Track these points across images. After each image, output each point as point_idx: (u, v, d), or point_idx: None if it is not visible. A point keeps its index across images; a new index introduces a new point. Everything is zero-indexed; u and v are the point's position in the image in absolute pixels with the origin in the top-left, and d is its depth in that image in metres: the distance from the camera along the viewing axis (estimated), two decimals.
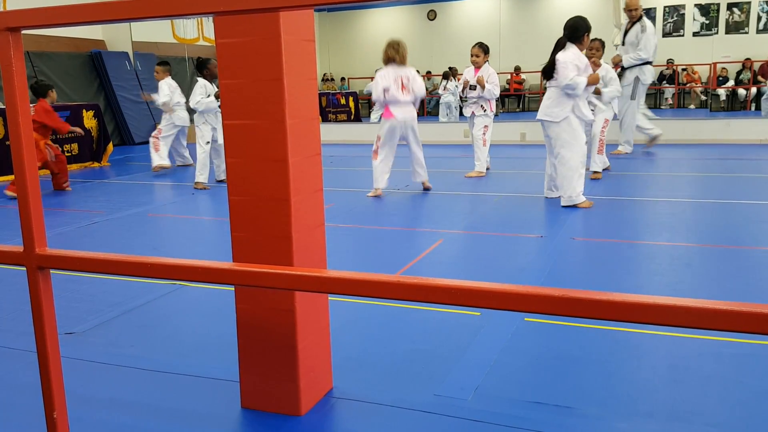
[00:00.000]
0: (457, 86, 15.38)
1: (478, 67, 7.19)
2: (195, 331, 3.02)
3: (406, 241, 4.59)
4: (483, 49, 7.19)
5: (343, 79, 20.53)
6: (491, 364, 2.52)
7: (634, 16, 8.11)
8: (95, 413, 2.24)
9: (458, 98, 15.97)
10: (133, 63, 12.96)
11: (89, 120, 9.48)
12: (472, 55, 7.21)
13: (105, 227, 5.30)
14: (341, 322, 2.95)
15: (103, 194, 7.07)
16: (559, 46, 5.33)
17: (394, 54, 6.09)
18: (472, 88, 7.17)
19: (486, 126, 7.28)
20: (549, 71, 5.32)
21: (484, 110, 7.27)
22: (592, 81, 5.27)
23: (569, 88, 5.13)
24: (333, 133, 11.80)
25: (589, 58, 6.05)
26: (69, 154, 9.16)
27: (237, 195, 2.09)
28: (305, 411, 2.18)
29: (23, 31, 1.51)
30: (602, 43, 6.80)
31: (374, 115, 14.43)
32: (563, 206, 5.31)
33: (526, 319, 2.94)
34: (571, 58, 5.18)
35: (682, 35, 17.33)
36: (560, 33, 5.48)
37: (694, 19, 17.16)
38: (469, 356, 2.60)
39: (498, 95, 7.29)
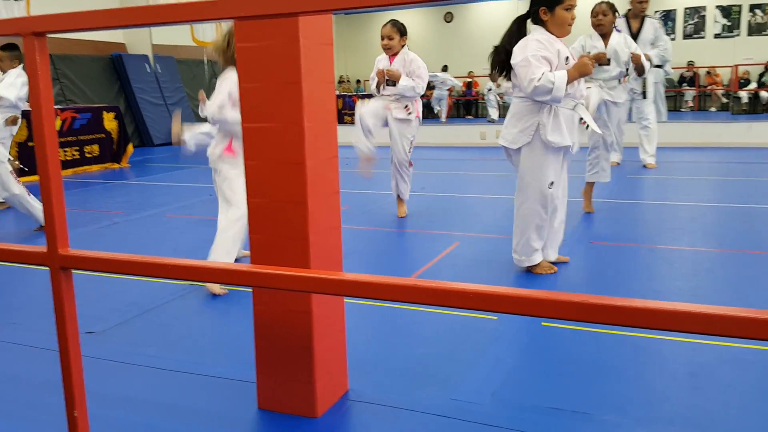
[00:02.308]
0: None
1: (393, 53, 5.22)
2: (212, 331, 3.04)
3: (422, 243, 4.59)
4: (398, 29, 5.20)
5: (358, 81, 20.57)
6: (508, 369, 2.51)
7: (644, 9, 7.19)
8: (113, 412, 2.26)
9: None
10: (153, 66, 13.09)
11: (110, 122, 9.58)
12: (383, 38, 5.22)
13: (125, 228, 5.35)
14: (357, 324, 2.96)
15: (122, 195, 7.14)
16: (512, 30, 3.50)
17: None
18: (389, 83, 5.16)
19: (412, 139, 5.28)
20: (502, 67, 3.54)
21: (409, 113, 5.22)
22: (582, 71, 3.35)
23: (540, 93, 3.29)
24: (349, 135, 11.82)
25: (596, 26, 5.05)
26: (90, 155, 9.27)
27: (255, 197, 2.10)
28: (321, 413, 2.18)
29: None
30: (611, 6, 5.10)
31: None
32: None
33: (543, 323, 2.92)
34: (533, 48, 3.32)
35: (703, 37, 17.17)
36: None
37: (715, 21, 16.99)
38: (486, 360, 2.59)
39: (422, 92, 5.21)
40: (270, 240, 2.10)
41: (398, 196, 5.40)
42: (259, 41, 1.99)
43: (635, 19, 7.21)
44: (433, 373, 2.49)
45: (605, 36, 5.10)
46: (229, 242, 3.48)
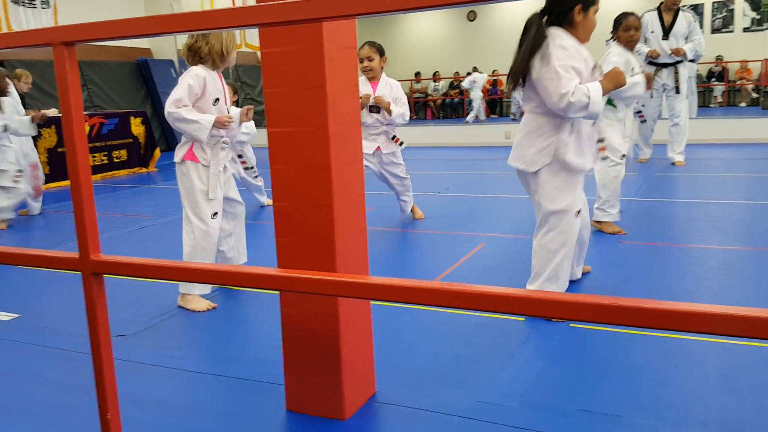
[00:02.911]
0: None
1: (374, 78, 4.84)
2: (240, 333, 3.07)
3: (447, 244, 4.58)
4: (377, 49, 4.82)
5: None
6: (537, 371, 2.49)
7: (678, 2, 7.06)
8: (144, 414, 2.29)
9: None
10: (178, 70, 13.24)
11: (137, 127, 9.71)
12: (362, 60, 4.77)
13: (153, 231, 5.42)
14: (384, 326, 2.96)
15: (150, 199, 7.23)
16: (534, 36, 2.88)
17: None
18: (374, 110, 4.79)
19: (404, 165, 5.04)
20: (516, 76, 2.97)
21: (399, 143, 4.95)
22: (616, 82, 2.96)
23: (575, 110, 2.82)
24: None
25: (628, 41, 4.53)
26: (118, 161, 9.41)
27: (281, 201, 2.12)
28: (349, 415, 2.19)
29: None
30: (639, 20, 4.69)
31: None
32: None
33: (572, 325, 2.90)
34: (561, 57, 2.83)
35: (732, 31, 16.86)
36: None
37: (744, 15, 16.69)
38: (513, 362, 2.58)
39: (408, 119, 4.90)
40: (296, 243, 2.11)
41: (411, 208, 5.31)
42: (283, 46, 2.00)
43: (668, 12, 7.03)
44: (461, 375, 2.49)
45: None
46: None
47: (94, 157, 8.98)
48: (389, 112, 4.77)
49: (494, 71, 18.54)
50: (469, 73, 16.69)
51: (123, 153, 9.48)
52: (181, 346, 2.93)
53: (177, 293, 3.53)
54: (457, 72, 18.88)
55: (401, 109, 4.83)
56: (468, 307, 1.24)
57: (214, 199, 3.38)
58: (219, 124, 3.31)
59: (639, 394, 2.28)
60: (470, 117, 15.23)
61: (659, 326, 1.09)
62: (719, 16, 16.89)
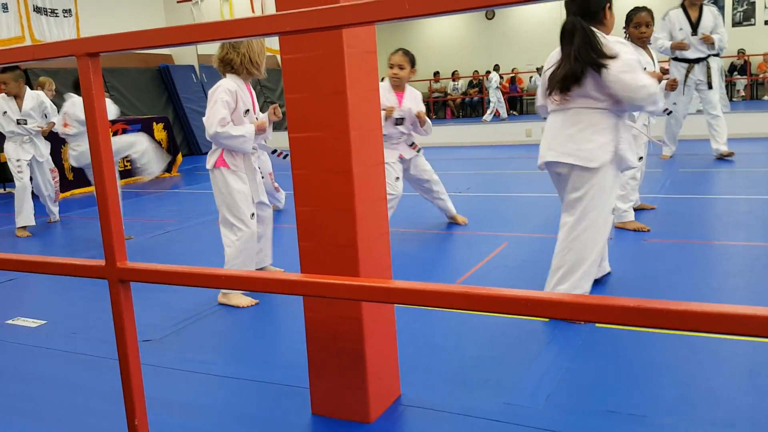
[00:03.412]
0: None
1: (399, 87, 4.69)
2: (265, 337, 3.09)
3: (470, 245, 4.57)
4: (410, 58, 4.69)
5: None
6: (562, 372, 2.48)
7: None
8: (171, 418, 2.32)
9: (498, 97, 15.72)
10: (199, 76, 13.37)
11: (159, 132, 9.82)
12: (392, 66, 4.67)
13: (177, 236, 5.48)
14: (407, 328, 2.96)
15: (174, 204, 7.31)
16: (584, 37, 2.83)
17: None
18: (399, 122, 4.69)
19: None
20: (574, 79, 2.88)
21: (417, 150, 4.90)
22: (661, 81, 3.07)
23: (651, 102, 2.90)
24: None
25: (638, 38, 4.48)
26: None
27: (303, 205, 2.13)
28: (374, 418, 2.20)
29: None
30: (652, 15, 4.64)
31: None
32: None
33: (597, 325, 2.88)
34: (627, 51, 2.87)
35: (754, 24, 16.63)
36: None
37: (765, 7, 16.44)
38: (539, 363, 2.56)
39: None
40: (319, 247, 2.12)
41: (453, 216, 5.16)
42: (303, 52, 2.01)
43: (693, 8, 6.97)
44: (486, 377, 2.48)
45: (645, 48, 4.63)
46: (239, 266, 3.41)
47: (118, 162, 9.08)
48: (422, 123, 4.68)
49: (513, 69, 18.47)
50: (488, 72, 16.75)
51: None
52: (206, 350, 2.96)
53: (201, 297, 3.57)
54: (476, 71, 18.84)
55: (429, 122, 4.79)
56: (492, 311, 1.24)
57: (250, 200, 3.49)
58: (259, 131, 3.45)
59: (665, 394, 2.25)
60: (487, 115, 15.25)
61: (685, 328, 1.08)
62: (740, 9, 16.66)
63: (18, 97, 6.00)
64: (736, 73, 16.65)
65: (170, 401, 2.46)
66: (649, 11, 4.59)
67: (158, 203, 7.45)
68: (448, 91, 19.30)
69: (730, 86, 16.54)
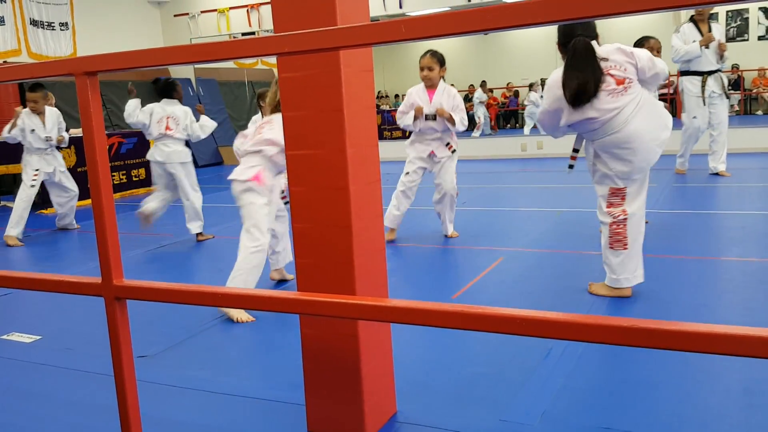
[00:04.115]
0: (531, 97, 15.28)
1: (432, 86, 4.97)
2: (261, 354, 3.08)
3: (466, 259, 4.57)
4: (438, 59, 4.94)
5: (397, 95, 20.66)
6: (558, 388, 2.48)
7: (706, 13, 7.22)
8: None
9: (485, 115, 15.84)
10: (195, 89, 13.40)
11: None
12: (423, 68, 4.94)
13: (172, 250, 5.47)
14: (403, 345, 2.96)
15: (170, 218, 7.28)
16: (592, 53, 3.19)
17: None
18: (430, 118, 4.95)
19: (455, 175, 5.10)
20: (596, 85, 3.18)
21: (452, 150, 5.05)
22: None
23: (663, 77, 3.38)
24: (389, 150, 11.87)
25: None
26: (137, 179, 9.51)
27: (300, 222, 2.14)
28: None
29: None
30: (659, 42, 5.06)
31: None
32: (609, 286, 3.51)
33: None
34: (641, 50, 3.36)
35: (747, 39, 16.79)
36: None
37: (759, 23, 16.60)
38: (534, 380, 2.57)
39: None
40: (315, 264, 2.13)
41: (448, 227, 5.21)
42: (301, 71, 2.03)
43: (703, 22, 7.16)
44: (482, 393, 2.48)
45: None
46: (246, 274, 3.48)
47: (114, 176, 9.09)
48: (451, 121, 4.88)
49: (508, 84, 18.57)
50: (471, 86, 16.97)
51: (142, 172, 9.59)
52: (202, 366, 2.95)
53: (197, 312, 3.57)
54: (471, 85, 18.94)
55: (459, 115, 4.94)
56: (488, 330, 1.25)
57: (272, 216, 3.74)
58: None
59: (659, 411, 2.26)
60: (475, 131, 15.36)
61: (679, 348, 1.10)
62: (734, 24, 16.82)
63: (41, 114, 6.15)
64: (730, 88, 16.77)
65: (166, 418, 2.45)
66: (657, 39, 4.80)
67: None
68: None
69: None
